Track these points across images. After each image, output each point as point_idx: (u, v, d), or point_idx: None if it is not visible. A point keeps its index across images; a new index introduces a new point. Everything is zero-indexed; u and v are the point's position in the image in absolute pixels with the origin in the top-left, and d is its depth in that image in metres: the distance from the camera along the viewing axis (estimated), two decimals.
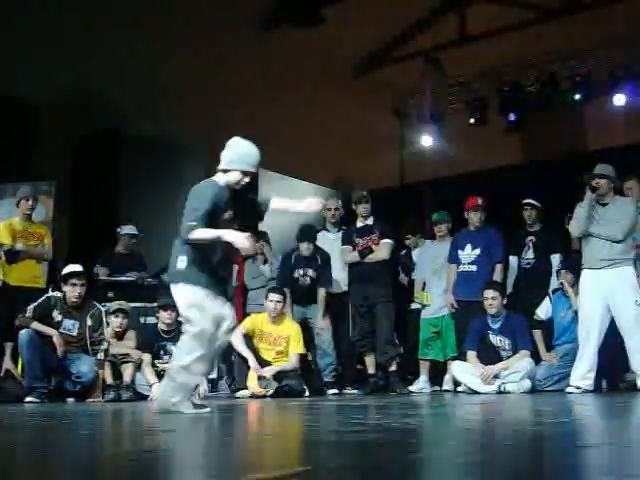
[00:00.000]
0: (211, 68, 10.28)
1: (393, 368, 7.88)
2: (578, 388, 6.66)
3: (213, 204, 4.47)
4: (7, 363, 7.10)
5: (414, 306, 8.50)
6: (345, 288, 8.17)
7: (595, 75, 11.05)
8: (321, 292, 7.86)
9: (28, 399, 6.49)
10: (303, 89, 11.26)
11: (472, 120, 12.23)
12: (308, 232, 7.98)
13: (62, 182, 9.82)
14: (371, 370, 7.95)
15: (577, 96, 11.18)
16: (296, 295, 7.91)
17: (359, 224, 8.12)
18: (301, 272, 7.94)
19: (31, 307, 6.84)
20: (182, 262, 4.50)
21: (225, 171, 4.67)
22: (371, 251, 7.93)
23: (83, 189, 10.27)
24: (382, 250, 7.92)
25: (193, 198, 4.52)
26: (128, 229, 8.52)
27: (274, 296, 7.41)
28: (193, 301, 4.45)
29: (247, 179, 4.68)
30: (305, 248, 7.87)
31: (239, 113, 10.59)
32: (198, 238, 4.38)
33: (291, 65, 10.88)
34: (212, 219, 4.45)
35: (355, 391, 7.99)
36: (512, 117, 11.98)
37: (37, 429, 4.02)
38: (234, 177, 4.65)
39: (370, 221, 8.09)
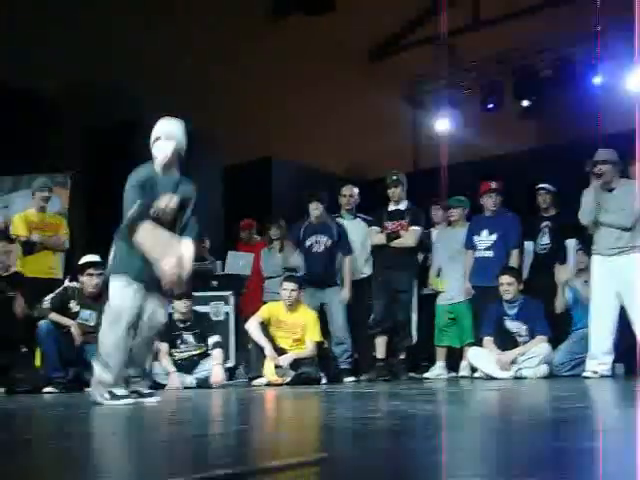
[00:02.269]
0: (225, 56, 10.27)
1: (401, 357, 7.89)
2: (595, 373, 6.64)
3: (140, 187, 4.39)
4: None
5: (427, 291, 8.47)
6: (361, 275, 8.14)
7: (609, 58, 10.96)
8: (346, 260, 7.87)
9: (46, 389, 6.54)
10: (316, 75, 11.23)
11: (487, 105, 12.17)
12: (318, 194, 7.98)
13: (78, 173, 9.85)
14: (380, 355, 7.88)
15: (592, 79, 11.10)
16: (311, 267, 7.88)
17: (391, 207, 8.02)
18: (314, 239, 7.91)
19: (48, 298, 6.87)
20: (112, 254, 4.54)
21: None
22: (398, 236, 7.87)
23: (99, 180, 10.29)
24: (409, 237, 7.84)
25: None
26: None
27: (288, 285, 7.40)
28: (113, 291, 4.46)
29: (161, 144, 4.52)
30: (314, 208, 7.86)
31: (253, 101, 10.60)
32: (138, 241, 4.31)
33: (305, 52, 10.86)
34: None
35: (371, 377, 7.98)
36: (527, 101, 11.91)
37: (56, 419, 4.04)
38: (155, 153, 4.54)
39: (403, 206, 7.98)
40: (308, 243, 7.92)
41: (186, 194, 4.57)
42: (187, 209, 4.56)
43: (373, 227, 8.05)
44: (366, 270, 8.19)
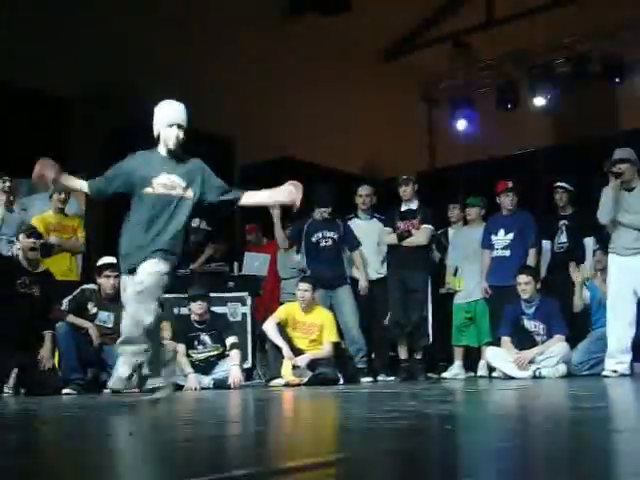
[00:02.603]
0: (241, 56, 10.30)
1: (419, 357, 7.88)
2: (615, 372, 6.60)
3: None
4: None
5: (443, 291, 8.46)
6: (377, 275, 8.13)
7: (627, 55, 10.89)
8: (356, 254, 7.92)
9: (65, 391, 6.54)
10: (331, 75, 11.24)
11: (503, 103, 12.13)
12: (323, 197, 7.99)
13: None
14: (403, 356, 7.93)
15: (610, 77, 11.03)
16: (319, 263, 7.87)
17: (403, 207, 8.06)
18: (320, 235, 7.92)
19: (66, 300, 6.90)
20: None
21: (158, 139, 4.70)
22: (410, 235, 7.88)
23: None
24: (420, 235, 7.87)
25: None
26: None
27: (301, 285, 7.41)
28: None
29: (172, 131, 4.63)
30: (323, 211, 7.89)
31: (269, 101, 10.61)
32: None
33: (321, 52, 10.87)
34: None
35: (389, 378, 7.98)
36: (543, 99, 11.86)
37: (75, 421, 4.06)
38: (163, 136, 4.66)
39: (414, 205, 8.02)
40: (314, 239, 7.92)
41: (193, 170, 4.67)
42: (212, 181, 4.67)
43: (385, 227, 8.08)
44: (382, 270, 8.19)
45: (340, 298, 7.81)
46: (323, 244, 7.91)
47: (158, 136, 4.71)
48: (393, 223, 8.01)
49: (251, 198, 4.77)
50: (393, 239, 7.94)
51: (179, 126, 4.65)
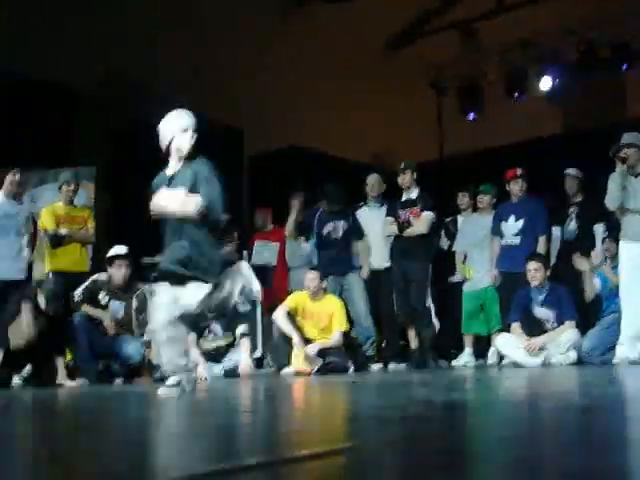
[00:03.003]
0: (245, 48, 10.27)
1: (427, 346, 7.85)
2: (626, 359, 6.56)
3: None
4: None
5: (454, 279, 8.44)
6: (386, 264, 8.12)
7: (634, 42, 10.82)
8: (362, 243, 7.94)
9: (78, 381, 6.56)
10: (338, 65, 11.20)
11: (511, 91, 12.07)
12: (333, 195, 8.00)
13: (104, 166, 9.91)
14: (413, 344, 7.92)
15: (618, 64, 10.96)
16: (329, 253, 7.89)
17: (403, 197, 8.04)
18: (331, 226, 7.93)
19: (79, 291, 6.93)
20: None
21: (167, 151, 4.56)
22: (410, 224, 7.84)
23: (125, 173, 10.33)
24: (420, 224, 7.81)
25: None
26: None
27: (309, 274, 7.44)
28: None
29: (189, 135, 4.53)
30: (326, 204, 7.94)
31: (276, 91, 10.59)
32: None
33: (325, 41, 10.83)
34: None
35: (399, 366, 7.97)
36: (551, 87, 11.79)
37: (87, 411, 4.07)
38: (176, 143, 4.52)
39: (414, 194, 7.97)
40: (325, 231, 7.93)
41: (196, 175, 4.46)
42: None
43: (387, 217, 8.04)
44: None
45: (350, 285, 7.83)
46: (334, 236, 7.92)
47: (168, 147, 4.56)
48: (395, 213, 7.98)
49: None
50: (394, 230, 7.92)
51: (193, 130, 4.57)
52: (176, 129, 4.55)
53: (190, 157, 4.54)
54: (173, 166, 4.55)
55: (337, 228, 7.92)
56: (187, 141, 4.52)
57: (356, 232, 8.02)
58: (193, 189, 4.36)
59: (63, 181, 7.75)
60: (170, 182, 4.46)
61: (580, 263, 7.61)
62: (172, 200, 4.30)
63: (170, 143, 4.54)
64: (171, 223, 4.37)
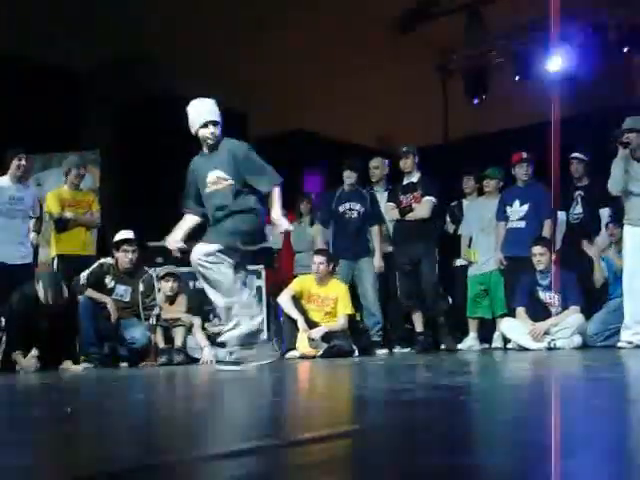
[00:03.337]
0: (247, 28, 10.23)
1: (441, 321, 7.84)
2: (630, 343, 6.58)
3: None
4: None
5: (459, 262, 8.45)
6: (390, 249, 8.11)
7: None
8: (375, 229, 7.84)
9: (83, 365, 6.61)
10: (346, 46, 11.14)
11: (518, 73, 12.02)
12: (351, 161, 7.97)
13: (108, 149, 9.91)
14: (419, 328, 7.90)
15: (626, 46, 10.90)
16: (344, 235, 7.88)
17: (404, 181, 8.01)
18: (347, 206, 7.90)
19: (84, 275, 6.94)
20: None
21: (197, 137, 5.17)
22: (412, 209, 7.82)
23: (129, 156, 10.34)
24: (422, 208, 7.78)
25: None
26: None
27: (317, 258, 7.42)
28: None
29: (210, 129, 5.08)
30: (347, 176, 7.86)
31: (280, 74, 10.55)
32: None
33: (335, 22, 10.77)
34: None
35: (404, 350, 8.00)
36: (558, 69, 11.73)
37: (92, 393, 4.10)
38: (200, 135, 5.12)
39: (415, 178, 7.92)
40: (341, 209, 7.92)
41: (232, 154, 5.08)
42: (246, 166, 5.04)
43: (388, 202, 8.02)
44: None
45: (362, 270, 7.81)
46: (349, 216, 7.89)
47: (196, 134, 5.15)
48: (396, 198, 7.96)
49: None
50: (395, 214, 7.92)
51: (213, 123, 5.05)
52: (196, 124, 5.08)
53: (216, 145, 5.12)
54: (206, 154, 5.16)
55: (352, 209, 7.89)
56: (210, 133, 5.05)
57: (374, 216, 7.92)
58: (232, 167, 5.01)
59: (73, 165, 7.72)
60: (208, 162, 5.10)
61: (588, 248, 7.61)
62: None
63: (196, 133, 5.11)
64: None
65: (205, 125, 5.04)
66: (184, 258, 8.24)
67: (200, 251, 4.85)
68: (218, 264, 4.82)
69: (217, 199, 5.08)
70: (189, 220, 5.33)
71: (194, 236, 5.29)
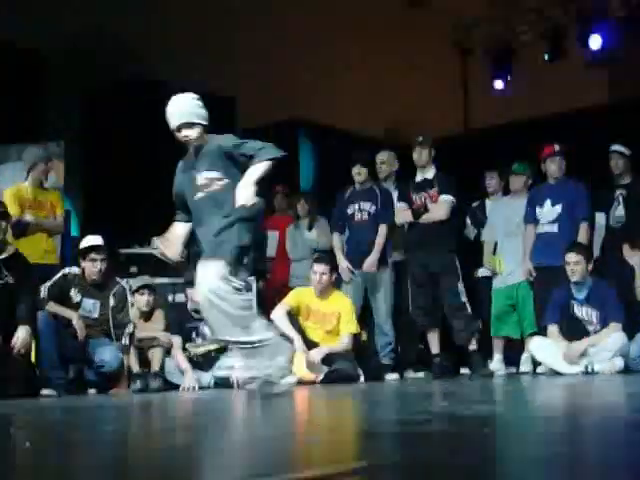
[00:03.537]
0: (257, 14, 10.27)
1: (473, 347, 7.68)
2: None
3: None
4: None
5: (481, 273, 8.44)
6: (402, 257, 8.09)
7: None
8: (382, 227, 7.79)
9: (44, 392, 6.53)
10: (349, 24, 11.18)
11: (548, 54, 12.06)
12: (359, 155, 7.98)
13: (72, 141, 9.90)
14: (435, 350, 7.82)
15: None
16: (356, 241, 7.89)
17: (417, 177, 7.95)
18: (357, 207, 7.90)
19: (46, 286, 6.90)
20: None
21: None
22: (427, 210, 7.78)
23: (97, 149, 10.32)
24: (439, 209, 7.72)
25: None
26: None
27: (318, 267, 7.39)
28: None
29: (183, 133, 5.13)
30: (356, 172, 7.86)
31: (274, 55, 10.57)
32: None
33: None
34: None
35: (418, 374, 8.00)
36: (595, 49, 11.76)
37: (55, 426, 4.11)
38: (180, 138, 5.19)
39: (430, 174, 7.86)
40: (350, 211, 7.91)
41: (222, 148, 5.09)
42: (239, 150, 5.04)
43: (399, 203, 7.98)
44: None
45: (375, 282, 7.80)
46: (358, 217, 7.88)
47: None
48: (407, 197, 7.92)
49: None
50: (408, 216, 7.84)
51: (187, 125, 5.09)
52: (175, 125, 5.12)
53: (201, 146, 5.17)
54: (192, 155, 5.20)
55: (363, 210, 7.87)
56: (183, 137, 5.11)
57: (383, 215, 7.86)
58: (219, 163, 5.06)
59: (37, 159, 7.69)
60: (194, 165, 5.15)
61: (629, 255, 7.62)
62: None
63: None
64: None
65: (178, 130, 5.11)
66: (163, 268, 8.30)
67: (213, 276, 4.73)
68: (236, 289, 4.77)
69: (213, 204, 5.02)
70: (181, 228, 5.36)
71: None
